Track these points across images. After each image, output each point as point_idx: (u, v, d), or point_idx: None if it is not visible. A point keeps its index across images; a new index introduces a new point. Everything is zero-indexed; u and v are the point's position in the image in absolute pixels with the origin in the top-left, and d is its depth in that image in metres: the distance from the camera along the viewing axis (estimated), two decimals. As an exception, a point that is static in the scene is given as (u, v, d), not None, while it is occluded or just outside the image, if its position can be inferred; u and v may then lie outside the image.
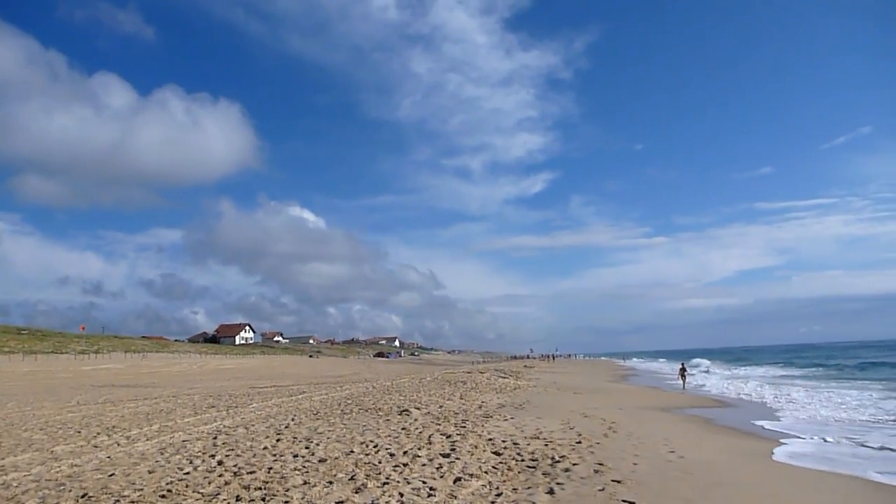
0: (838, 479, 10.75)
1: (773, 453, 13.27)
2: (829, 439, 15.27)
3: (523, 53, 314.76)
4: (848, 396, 28.85)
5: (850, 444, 14.64)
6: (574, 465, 10.46)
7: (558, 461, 10.71)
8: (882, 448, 13.98)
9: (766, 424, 18.37)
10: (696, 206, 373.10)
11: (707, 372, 62.15)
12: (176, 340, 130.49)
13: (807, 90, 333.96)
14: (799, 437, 15.57)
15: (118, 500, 8.25)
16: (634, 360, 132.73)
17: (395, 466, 10.15)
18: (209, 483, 9.17)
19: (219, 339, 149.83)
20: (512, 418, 17.03)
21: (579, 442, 12.91)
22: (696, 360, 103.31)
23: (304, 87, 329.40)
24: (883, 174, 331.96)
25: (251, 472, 9.84)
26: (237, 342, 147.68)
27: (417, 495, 8.26)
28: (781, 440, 15.13)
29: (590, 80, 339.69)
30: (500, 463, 10.56)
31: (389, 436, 13.57)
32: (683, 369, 38.74)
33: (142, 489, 8.84)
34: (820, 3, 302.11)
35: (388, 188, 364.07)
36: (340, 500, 8.05)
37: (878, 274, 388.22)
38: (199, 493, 8.59)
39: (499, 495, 8.37)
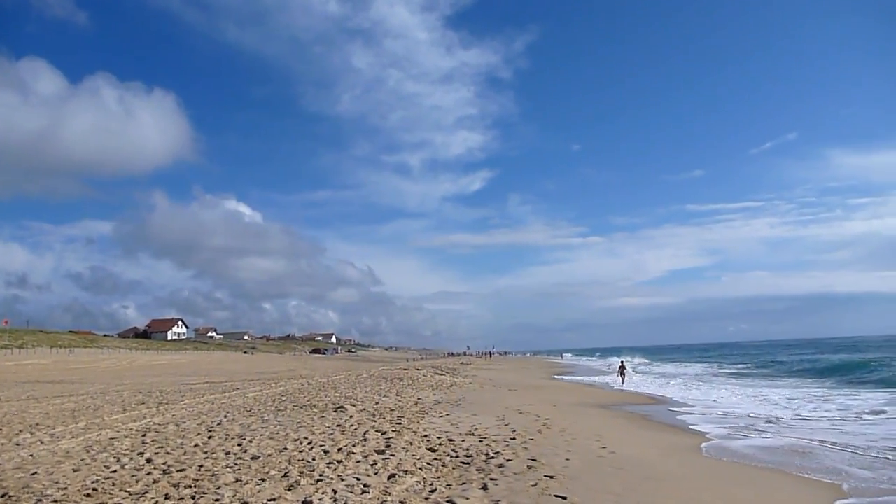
0: (762, 473, 11.14)
1: (700, 448, 13.68)
2: (753, 435, 15.83)
3: (464, 51, 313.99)
4: (773, 393, 29.99)
5: (773, 439, 15.18)
6: (508, 460, 10.58)
7: (492, 457, 10.82)
8: (803, 443, 14.54)
9: (695, 420, 18.89)
10: (630, 207, 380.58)
11: (639, 370, 63.49)
12: (105, 335, 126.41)
13: (737, 97, 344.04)
14: (726, 433, 16.06)
15: (40, 500, 7.99)
16: (569, 357, 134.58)
17: (329, 463, 10.09)
18: (137, 481, 8.96)
19: (150, 334, 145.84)
20: (447, 415, 17.12)
21: (513, 438, 13.06)
22: (611, 358, 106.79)
23: (242, 79, 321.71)
24: (807, 179, 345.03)
25: (181, 470, 9.65)
26: (169, 337, 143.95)
27: (351, 492, 8.23)
28: (708, 435, 15.59)
29: (529, 80, 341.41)
30: (435, 459, 10.60)
31: (324, 433, 13.48)
32: (623, 367, 39.49)
33: (66, 488, 8.58)
34: (749, 11, 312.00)
35: (327, 183, 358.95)
36: (273, 497, 7.96)
37: (801, 275, 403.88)
38: (126, 491, 8.39)
39: (433, 491, 8.41)
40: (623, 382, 36.79)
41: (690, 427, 17.42)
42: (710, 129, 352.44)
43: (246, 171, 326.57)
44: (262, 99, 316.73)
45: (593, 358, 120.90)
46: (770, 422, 18.47)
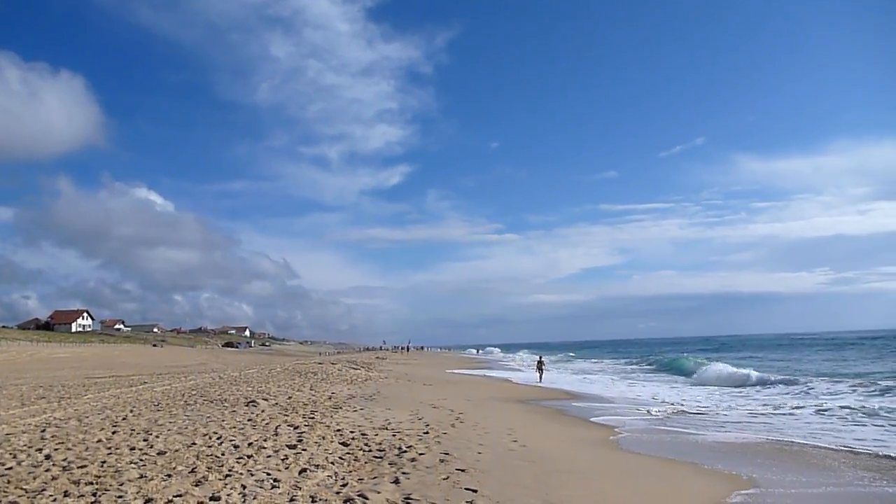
0: (670, 465, 11.59)
1: (611, 442, 14.12)
2: (664, 428, 16.42)
3: (385, 45, 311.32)
4: (684, 389, 31.30)
5: (683, 432, 15.79)
6: (420, 454, 10.67)
7: (405, 451, 10.88)
8: (711, 436, 15.19)
9: (607, 415, 19.45)
10: (545, 206, 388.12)
11: (555, 366, 64.75)
12: (3, 327, 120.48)
13: (649, 101, 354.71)
14: (637, 427, 16.61)
15: (-74, 499, 7.58)
16: (484, 352, 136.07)
17: (239, 458, 9.94)
18: (34, 478, 8.59)
19: (53, 325, 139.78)
20: (361, 409, 17.09)
21: (427, 432, 13.16)
22: (520, 353, 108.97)
23: (156, 64, 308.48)
24: (714, 182, 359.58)
25: (82, 467, 9.31)
26: (73, 330, 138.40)
27: (261, 487, 8.13)
28: (620, 429, 16.07)
29: (449, 76, 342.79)
30: (348, 454, 10.59)
31: (234, 427, 13.25)
32: (541, 362, 40.07)
33: (-45, 486, 8.16)
34: (663, 18, 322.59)
35: (243, 174, 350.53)
36: (179, 493, 7.78)
37: (706, 275, 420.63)
38: (22, 489, 8.04)
39: (344, 486, 8.40)
40: (541, 378, 37.41)
41: (603, 421, 17.90)
42: (623, 132, 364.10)
43: (158, 159, 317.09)
44: (176, 85, 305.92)
45: (509, 353, 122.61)
46: (681, 415, 19.24)
